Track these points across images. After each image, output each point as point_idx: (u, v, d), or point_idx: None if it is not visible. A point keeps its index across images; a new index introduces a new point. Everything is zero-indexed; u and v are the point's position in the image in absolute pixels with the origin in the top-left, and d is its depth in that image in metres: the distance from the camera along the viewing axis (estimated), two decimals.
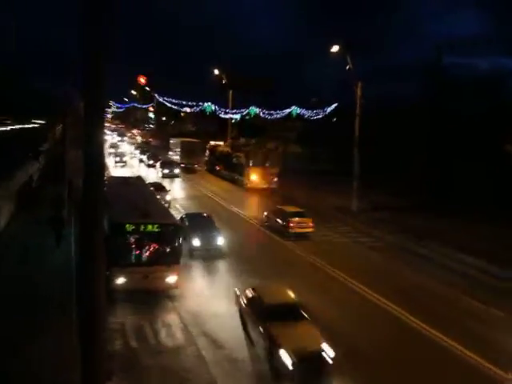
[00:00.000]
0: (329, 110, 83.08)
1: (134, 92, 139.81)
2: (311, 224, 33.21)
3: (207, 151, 72.40)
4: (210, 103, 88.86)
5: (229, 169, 60.94)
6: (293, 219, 32.79)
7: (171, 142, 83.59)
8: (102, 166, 8.08)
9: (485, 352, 17.10)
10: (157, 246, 20.06)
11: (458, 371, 16.27)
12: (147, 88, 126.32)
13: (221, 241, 28.05)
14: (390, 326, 19.78)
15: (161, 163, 63.68)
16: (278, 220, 33.86)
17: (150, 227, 19.91)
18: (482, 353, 17.05)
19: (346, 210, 42.38)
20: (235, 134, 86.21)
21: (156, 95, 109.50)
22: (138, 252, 19.84)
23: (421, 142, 51.49)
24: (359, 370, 15.67)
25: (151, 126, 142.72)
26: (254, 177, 53.86)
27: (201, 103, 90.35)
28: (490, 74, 59.05)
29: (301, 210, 34.48)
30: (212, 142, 75.27)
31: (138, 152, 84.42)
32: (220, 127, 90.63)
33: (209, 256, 26.82)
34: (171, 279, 20.20)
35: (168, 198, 40.17)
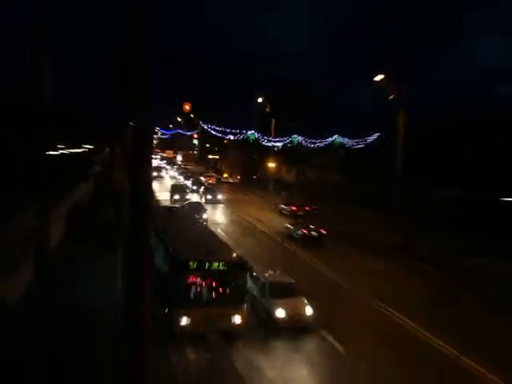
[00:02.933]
0: (370, 139, 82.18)
1: (179, 119, 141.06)
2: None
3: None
4: (253, 131, 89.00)
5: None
6: None
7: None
8: (150, 189, 7.76)
9: None
10: (222, 286, 18.77)
11: None
12: (192, 115, 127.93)
13: None
14: None
15: (204, 189, 64.54)
16: None
17: (215, 265, 18.47)
18: None
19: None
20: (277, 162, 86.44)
21: (200, 122, 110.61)
22: (203, 292, 18.52)
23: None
24: None
25: (195, 151, 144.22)
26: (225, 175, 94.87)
27: (244, 131, 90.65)
28: None
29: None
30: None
31: (182, 178, 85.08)
32: (262, 155, 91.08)
33: None
34: (237, 319, 18.95)
35: (205, 216, 42.70)
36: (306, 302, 21.50)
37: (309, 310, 21.09)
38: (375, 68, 42.09)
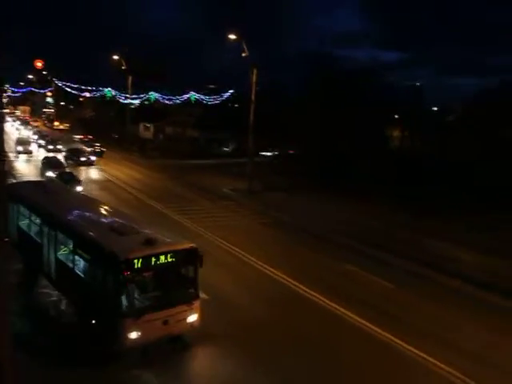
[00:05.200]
0: (225, 95, 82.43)
1: (30, 76, 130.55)
2: None
3: None
4: (109, 88, 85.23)
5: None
6: None
7: None
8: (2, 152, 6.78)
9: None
10: (173, 282, 15.03)
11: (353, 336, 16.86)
12: (44, 72, 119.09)
13: None
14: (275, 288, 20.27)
15: (17, 141, 61.64)
16: None
17: (162, 258, 14.38)
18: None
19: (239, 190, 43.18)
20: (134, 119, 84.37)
21: (54, 79, 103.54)
22: (151, 294, 14.78)
23: (313, 126, 52.13)
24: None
25: (48, 110, 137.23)
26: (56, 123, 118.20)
27: (101, 88, 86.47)
28: (368, 64, 61.72)
29: None
30: None
31: (36, 137, 79.90)
32: (119, 112, 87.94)
33: None
34: (193, 318, 15.10)
35: (79, 189, 35.75)
36: None
37: None
38: (228, 30, 41.26)
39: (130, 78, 75.29)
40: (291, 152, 61.24)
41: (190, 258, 15.04)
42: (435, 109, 71.42)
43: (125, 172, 52.66)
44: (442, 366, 14.59)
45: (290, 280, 21.38)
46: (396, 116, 63.06)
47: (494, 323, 18.04)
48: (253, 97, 42.60)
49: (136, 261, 13.81)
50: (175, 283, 15.09)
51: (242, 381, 13.68)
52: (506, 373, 14.54)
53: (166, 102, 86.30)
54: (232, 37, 41.49)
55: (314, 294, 19.83)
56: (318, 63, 58.06)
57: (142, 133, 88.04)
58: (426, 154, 51.19)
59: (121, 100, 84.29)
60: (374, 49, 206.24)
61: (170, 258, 14.51)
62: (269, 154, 60.29)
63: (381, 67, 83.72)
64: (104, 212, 19.55)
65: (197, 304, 15.13)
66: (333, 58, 59.86)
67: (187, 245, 15.28)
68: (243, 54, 42.08)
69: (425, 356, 15.10)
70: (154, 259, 14.22)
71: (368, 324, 17.21)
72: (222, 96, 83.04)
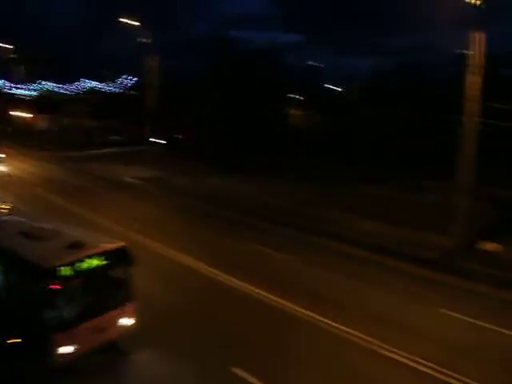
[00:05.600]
0: (125, 82, 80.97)
1: None
2: None
3: None
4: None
5: None
6: None
7: None
8: None
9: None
10: (103, 286, 13.53)
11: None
12: None
13: None
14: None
15: None
16: None
17: (91, 262, 13.01)
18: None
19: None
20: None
21: None
22: (83, 301, 13.11)
23: (212, 108, 52.50)
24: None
25: None
26: None
27: None
28: (267, 46, 62.73)
29: None
30: None
31: None
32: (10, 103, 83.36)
33: None
34: (128, 321, 13.94)
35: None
36: None
37: None
38: (126, 15, 40.10)
39: (23, 67, 71.81)
40: (180, 137, 61.08)
41: (121, 258, 13.76)
42: (339, 89, 73.65)
43: (21, 167, 49.61)
44: (342, 327, 15.51)
45: (203, 265, 21.23)
46: (297, 96, 64.65)
47: (397, 287, 19.21)
48: (154, 83, 42.30)
49: (63, 268, 12.29)
50: (107, 287, 13.64)
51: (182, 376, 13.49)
52: (403, 329, 15.69)
53: (62, 91, 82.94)
54: (129, 22, 40.45)
55: (222, 274, 20.13)
56: (216, 46, 58.15)
57: (39, 125, 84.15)
58: (325, 132, 53.21)
59: (8, 90, 79.79)
60: (274, 31, 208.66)
61: (100, 260, 13.25)
62: (162, 141, 59.63)
63: (280, 49, 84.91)
64: (9, 214, 18.00)
65: (131, 306, 13.98)
66: (231, 40, 59.99)
67: (116, 244, 13.94)
68: (143, 40, 41.47)
69: (322, 319, 16.07)
70: (82, 264, 12.81)
71: (268, 294, 17.95)
72: (121, 84, 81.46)
